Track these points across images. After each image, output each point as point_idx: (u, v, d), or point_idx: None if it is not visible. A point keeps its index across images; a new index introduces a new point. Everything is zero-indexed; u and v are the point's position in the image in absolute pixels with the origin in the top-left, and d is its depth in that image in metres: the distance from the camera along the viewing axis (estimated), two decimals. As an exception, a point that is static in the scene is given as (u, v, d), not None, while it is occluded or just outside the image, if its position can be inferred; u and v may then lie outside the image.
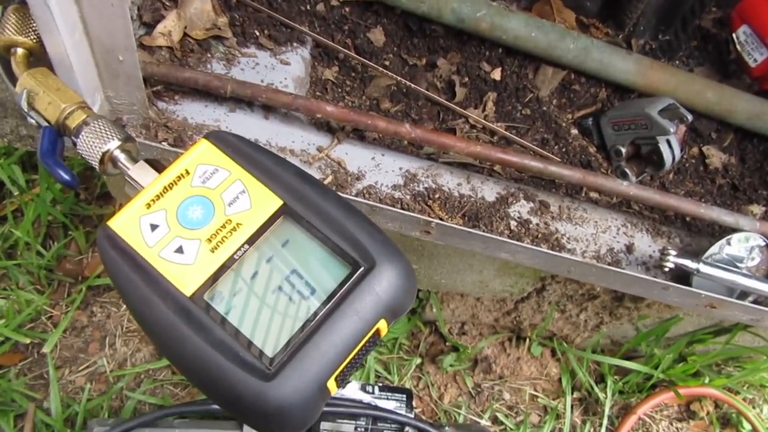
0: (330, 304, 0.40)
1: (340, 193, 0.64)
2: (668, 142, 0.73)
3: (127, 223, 0.42)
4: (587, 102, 0.83)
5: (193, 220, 0.42)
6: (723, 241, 0.70)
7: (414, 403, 1.22)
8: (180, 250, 0.41)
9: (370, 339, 0.41)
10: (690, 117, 0.72)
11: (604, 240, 0.74)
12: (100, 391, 1.10)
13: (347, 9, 0.81)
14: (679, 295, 0.68)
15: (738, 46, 0.84)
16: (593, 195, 0.77)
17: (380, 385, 1.06)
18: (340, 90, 0.78)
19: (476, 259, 1.03)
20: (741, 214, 0.71)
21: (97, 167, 0.48)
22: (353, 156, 0.71)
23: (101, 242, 0.42)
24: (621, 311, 1.11)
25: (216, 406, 0.88)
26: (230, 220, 0.42)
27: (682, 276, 0.72)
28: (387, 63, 0.80)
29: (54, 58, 0.51)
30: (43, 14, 0.46)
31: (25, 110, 0.50)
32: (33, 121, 0.50)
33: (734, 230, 0.71)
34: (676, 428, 1.26)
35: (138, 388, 1.10)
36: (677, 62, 0.90)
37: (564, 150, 0.79)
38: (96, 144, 0.47)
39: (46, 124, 0.50)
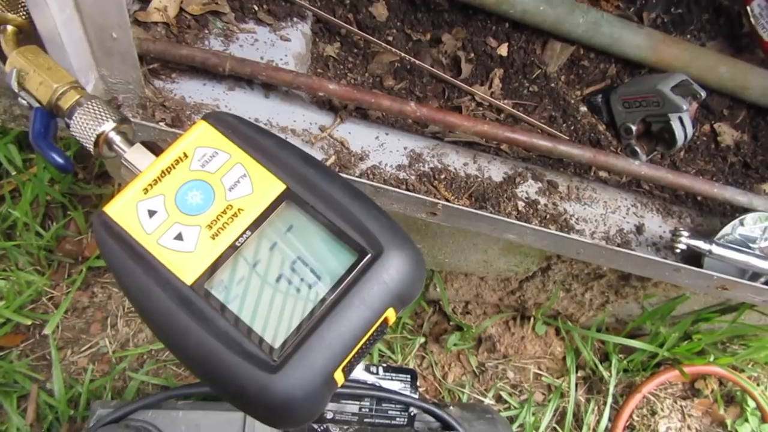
0: (336, 292, 0.39)
1: (344, 176, 0.62)
2: (680, 119, 0.71)
3: (124, 209, 0.40)
4: (596, 78, 0.81)
5: (192, 205, 0.40)
6: (736, 221, 0.68)
7: (418, 383, 1.22)
8: (179, 237, 0.40)
9: (377, 328, 0.39)
10: (704, 93, 0.70)
11: (614, 220, 0.72)
12: (102, 372, 1.09)
13: (349, -18, 0.78)
14: (690, 276, 0.67)
15: (752, 19, 0.81)
16: (602, 174, 0.75)
17: (384, 365, 1.05)
18: (342, 67, 0.76)
19: (481, 239, 1.02)
20: (755, 194, 0.69)
21: (92, 150, 0.46)
22: (356, 135, 0.69)
23: (97, 229, 0.40)
24: (627, 290, 1.10)
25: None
26: (231, 206, 0.40)
27: (694, 257, 0.71)
28: (390, 38, 0.78)
29: (44, 35, 0.49)
30: (32, -7, 0.44)
31: (16, 90, 0.48)
32: (24, 102, 0.48)
33: (747, 210, 0.69)
34: (681, 406, 1.26)
35: (141, 368, 1.10)
36: (689, 36, 0.87)
37: (572, 128, 0.77)
38: (90, 126, 0.45)
39: (38, 105, 0.48)
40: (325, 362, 0.37)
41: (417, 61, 0.75)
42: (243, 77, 0.66)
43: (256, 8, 0.72)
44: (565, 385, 1.22)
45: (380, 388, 0.94)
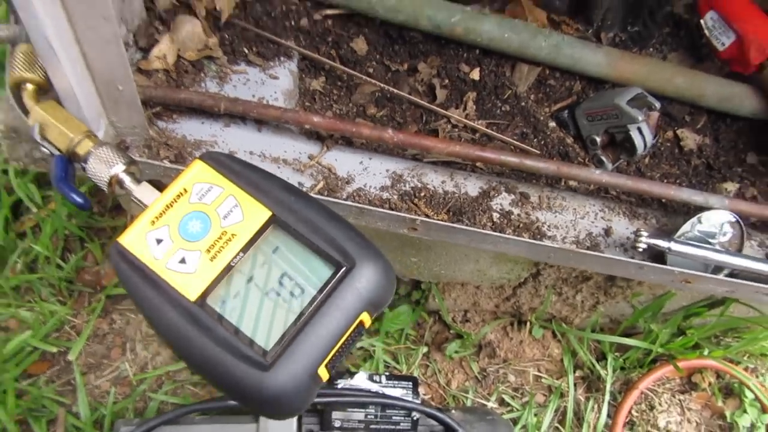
0: (317, 301, 0.46)
1: (327, 199, 0.69)
2: (639, 129, 0.77)
3: (135, 240, 0.47)
4: (563, 95, 0.88)
5: (193, 233, 0.48)
6: (694, 219, 0.74)
7: (422, 390, 1.28)
8: (183, 260, 0.47)
9: (354, 330, 0.46)
10: (658, 104, 0.76)
11: (583, 225, 0.79)
12: (124, 394, 1.16)
13: (330, 22, 0.85)
14: (653, 272, 0.73)
15: (706, 31, 0.88)
16: (572, 183, 0.81)
17: (387, 374, 1.12)
18: (327, 99, 0.83)
19: (471, 249, 1.08)
20: (710, 193, 0.75)
21: (105, 189, 0.53)
22: (342, 161, 0.76)
23: (114, 258, 0.47)
24: (615, 290, 1.15)
25: (233, 402, 0.94)
26: (226, 232, 0.48)
27: (660, 255, 0.76)
28: (371, 70, 0.85)
29: (60, 91, 0.56)
30: (47, 53, 0.52)
31: (39, 141, 0.55)
32: (46, 151, 0.56)
33: (704, 209, 0.75)
34: (679, 400, 1.30)
35: (160, 389, 1.16)
36: (651, 50, 0.94)
37: (543, 142, 0.84)
38: (103, 169, 0.53)
39: (58, 152, 0.55)
40: (309, 360, 0.44)
41: (396, 90, 0.83)
42: (237, 115, 0.73)
43: (247, 51, 0.80)
44: (564, 385, 1.27)
45: (384, 396, 0.99)
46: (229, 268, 0.46)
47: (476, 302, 1.27)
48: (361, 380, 1.10)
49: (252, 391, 0.43)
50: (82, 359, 1.16)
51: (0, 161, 1.25)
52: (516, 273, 1.16)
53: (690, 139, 0.87)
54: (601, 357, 1.30)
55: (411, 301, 1.29)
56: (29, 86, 0.58)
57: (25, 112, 0.60)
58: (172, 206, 0.49)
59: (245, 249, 0.47)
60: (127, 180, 0.53)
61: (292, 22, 0.83)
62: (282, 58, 0.81)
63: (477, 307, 1.29)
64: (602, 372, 1.28)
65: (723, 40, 0.86)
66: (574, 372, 1.29)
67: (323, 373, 0.45)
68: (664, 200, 0.82)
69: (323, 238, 0.47)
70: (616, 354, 1.29)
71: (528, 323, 1.29)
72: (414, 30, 0.84)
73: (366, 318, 0.46)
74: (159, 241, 0.47)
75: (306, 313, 0.45)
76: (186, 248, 0.47)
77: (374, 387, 1.09)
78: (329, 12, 0.85)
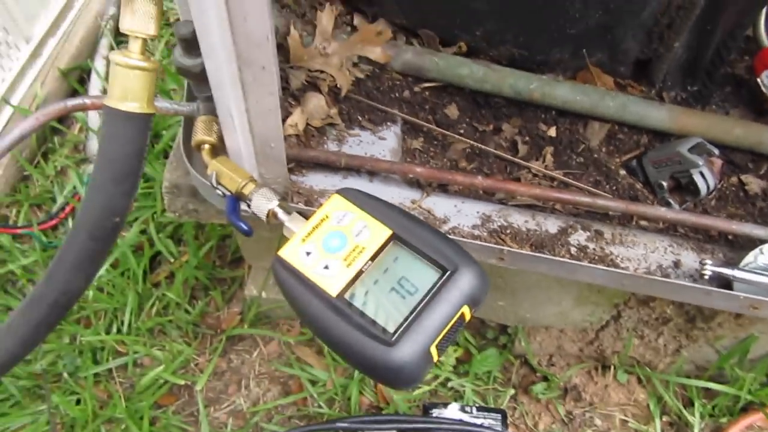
0: (429, 296, 0.59)
1: (435, 228, 0.83)
2: (701, 173, 0.88)
3: (291, 252, 0.64)
4: (632, 147, 1.00)
5: (333, 247, 0.63)
6: (756, 250, 0.83)
7: (510, 430, 1.35)
8: (326, 267, 0.62)
9: (458, 319, 0.59)
10: (717, 151, 0.87)
11: (654, 258, 0.89)
12: (239, 426, 1.31)
13: (427, 93, 1.03)
14: (720, 298, 0.81)
15: (763, 89, 0.98)
16: (643, 223, 0.92)
17: (477, 406, 1.22)
18: (426, 156, 0.99)
19: (554, 291, 1.18)
20: (769, 228, 0.84)
21: (264, 220, 0.70)
22: (439, 205, 0.91)
23: (275, 266, 0.63)
24: (696, 333, 1.21)
25: (339, 424, 1.07)
26: (357, 246, 0.63)
27: (727, 286, 0.85)
28: (462, 131, 1.01)
29: (230, 149, 0.75)
30: (226, 121, 0.71)
31: (214, 185, 0.74)
32: (220, 193, 0.74)
33: (766, 241, 0.83)
34: (770, 448, 1.29)
35: (270, 421, 1.31)
36: (713, 107, 1.05)
37: (615, 188, 0.95)
38: (263, 204, 0.70)
39: (229, 193, 0.73)
40: (424, 340, 0.58)
41: (483, 146, 0.98)
42: (353, 168, 0.91)
43: (360, 118, 0.98)
44: (651, 431, 1.30)
45: (474, 424, 1.10)
46: (360, 273, 0.61)
47: (560, 346, 1.35)
48: (453, 411, 1.21)
49: (380, 363, 0.57)
50: (203, 393, 1.32)
51: (139, 222, 1.49)
52: (597, 315, 1.24)
53: (754, 183, 0.96)
54: (689, 403, 1.32)
55: (498, 345, 1.38)
56: (207, 146, 0.77)
57: (193, 165, 0.79)
58: (317, 228, 0.65)
59: (372, 258, 0.62)
60: (281, 212, 0.70)
61: (397, 94, 1.01)
62: (388, 123, 0.98)
63: (561, 350, 1.36)
64: (690, 418, 1.29)
65: (779, 95, 0.96)
66: (661, 418, 1.32)
67: (434, 352, 0.58)
68: (729, 236, 0.90)
69: (432, 250, 0.61)
70: (704, 400, 1.31)
71: (612, 368, 1.34)
72: (498, 96, 1.00)
73: (467, 311, 0.60)
74: (308, 254, 0.63)
75: (420, 305, 0.59)
76: (328, 258, 0.63)
77: (465, 417, 1.19)
78: (426, 85, 1.02)
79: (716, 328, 1.18)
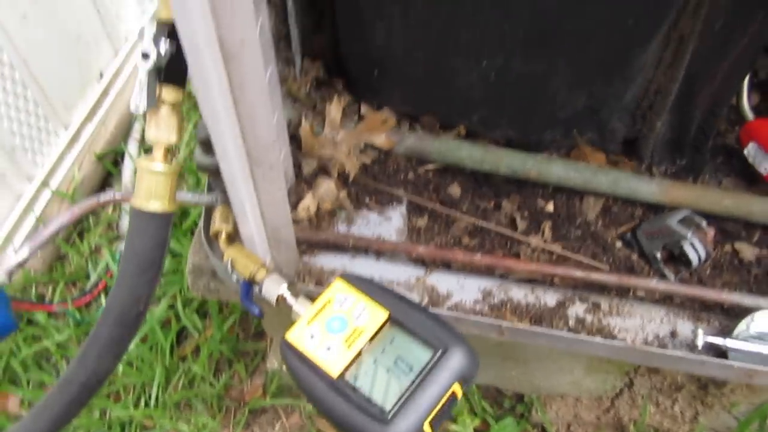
0: (422, 374, 0.64)
1: (427, 307, 0.88)
2: (691, 244, 0.92)
3: (297, 335, 0.69)
4: (627, 219, 1.04)
5: (335, 329, 0.69)
6: (748, 318, 0.85)
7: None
8: (328, 348, 0.68)
9: (450, 396, 0.64)
10: (704, 222, 0.91)
11: (651, 329, 0.92)
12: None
13: (430, 174, 1.10)
14: (715, 368, 0.84)
15: (750, 159, 1.03)
16: (640, 294, 0.96)
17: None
18: (430, 233, 1.05)
19: (564, 361, 1.20)
20: (759, 296, 0.86)
21: (273, 304, 0.77)
22: (442, 281, 0.96)
23: (283, 348, 0.69)
24: (710, 399, 1.21)
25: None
26: (357, 328, 0.68)
27: (724, 355, 0.87)
28: (464, 209, 1.07)
29: (244, 236, 0.82)
30: (240, 212, 0.78)
31: (229, 271, 0.81)
32: (234, 278, 0.81)
33: (755, 310, 0.86)
34: None
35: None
36: (707, 176, 1.09)
37: (611, 260, 1.00)
38: (273, 289, 0.76)
39: (242, 279, 0.80)
40: (418, 417, 0.62)
41: (485, 223, 1.03)
42: (361, 248, 0.97)
43: (368, 200, 1.05)
44: (675, 499, 1.29)
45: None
46: (359, 354, 0.67)
47: (577, 414, 1.36)
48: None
49: (377, 440, 0.61)
50: (227, 466, 1.36)
51: (168, 297, 1.56)
52: (610, 383, 1.25)
53: (748, 251, 0.99)
54: (713, 471, 1.31)
55: (516, 414, 1.40)
56: (223, 234, 0.85)
57: (213, 251, 0.87)
58: (321, 311, 0.71)
59: (371, 339, 0.67)
60: (289, 296, 0.76)
61: (402, 176, 1.08)
62: (394, 204, 1.05)
63: (579, 419, 1.37)
64: (716, 486, 1.28)
65: (765, 166, 1.00)
66: (688, 486, 1.31)
67: (428, 429, 0.62)
68: (725, 306, 0.93)
69: (424, 330, 0.67)
70: (730, 469, 1.30)
71: (631, 436, 1.34)
72: (497, 175, 1.06)
73: (458, 388, 0.64)
74: (312, 336, 0.69)
75: (414, 384, 0.64)
76: (330, 340, 0.68)
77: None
78: (430, 167, 1.10)
79: (729, 394, 1.18)
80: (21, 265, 0.79)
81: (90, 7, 1.78)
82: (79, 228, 1.77)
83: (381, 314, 0.69)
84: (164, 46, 0.62)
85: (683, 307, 0.94)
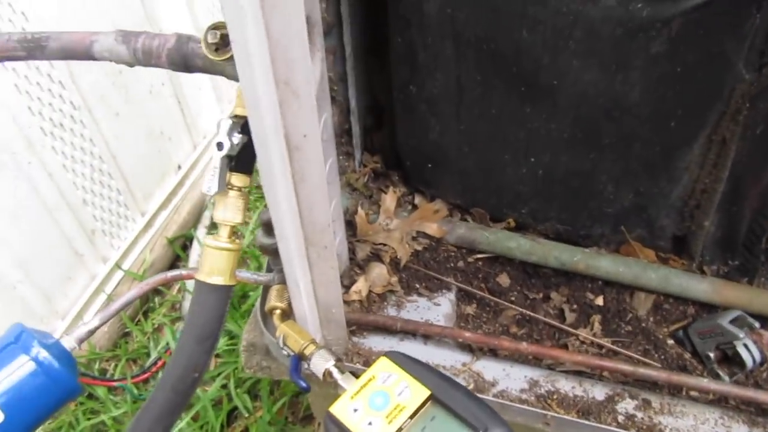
0: (461, 454, 0.65)
1: (470, 390, 0.89)
2: (745, 345, 0.90)
3: (340, 408, 0.72)
4: (679, 317, 1.03)
5: (378, 405, 0.71)
6: (808, 426, 0.82)
7: None
8: (370, 423, 0.69)
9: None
10: (757, 325, 0.90)
11: (704, 430, 0.89)
12: None
13: (480, 263, 1.13)
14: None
15: (806, 263, 1.01)
16: (693, 394, 0.93)
17: None
18: (478, 321, 1.07)
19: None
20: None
21: (321, 378, 0.79)
22: (488, 368, 0.97)
23: (326, 420, 0.71)
24: None
25: None
26: (399, 404, 0.70)
27: (785, 462, 0.83)
28: (513, 298, 1.09)
29: (297, 314, 0.86)
30: (295, 291, 0.83)
31: (281, 346, 0.85)
32: (285, 353, 0.84)
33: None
34: None
35: None
36: (762, 279, 1.08)
37: (663, 357, 0.98)
38: (321, 364, 0.80)
39: (293, 353, 0.84)
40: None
41: (533, 314, 1.05)
42: (409, 332, 0.99)
43: (418, 286, 1.09)
44: None
45: None
46: (400, 429, 0.68)
47: None
48: None
49: None
50: None
51: (222, 377, 1.60)
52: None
53: (808, 355, 0.96)
54: None
55: None
56: (278, 311, 0.90)
57: (267, 327, 0.91)
58: (365, 387, 0.73)
59: (412, 416, 0.69)
60: (336, 371, 0.79)
61: (452, 264, 1.12)
62: (444, 291, 1.08)
63: None
64: None
65: (823, 269, 0.99)
66: None
67: None
68: (785, 411, 0.90)
69: (465, 410, 0.68)
70: None
71: None
72: (545, 267, 1.08)
73: (496, 468, 0.64)
74: (355, 410, 0.71)
75: (454, 462, 0.64)
76: (373, 415, 0.70)
77: None
78: (479, 256, 1.13)
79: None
80: (91, 333, 0.86)
81: (175, 106, 1.97)
82: (144, 308, 1.87)
83: (423, 392, 0.71)
84: (237, 138, 0.70)
85: (738, 411, 0.91)
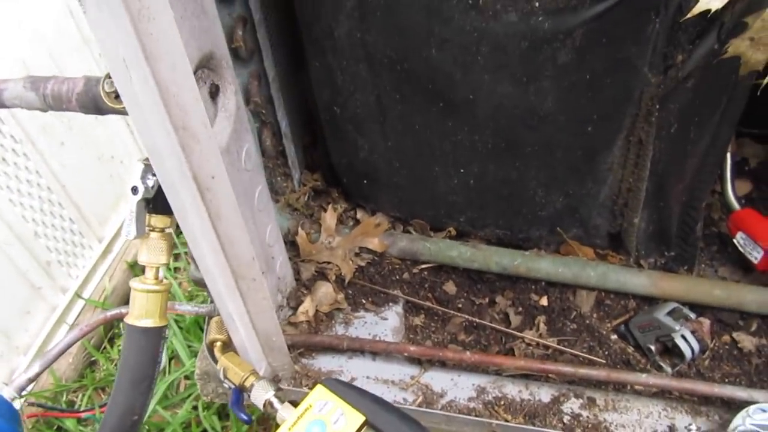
0: (394, 479, 0.66)
1: (423, 410, 0.90)
2: (683, 336, 0.92)
3: (278, 441, 0.72)
4: (620, 312, 1.05)
5: (314, 435, 0.71)
6: (743, 412, 0.84)
7: None
8: (307, 454, 0.70)
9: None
10: (693, 315, 0.92)
11: (648, 424, 0.90)
12: None
13: (425, 273, 1.14)
14: (712, 464, 0.82)
15: (740, 249, 1.04)
16: (638, 388, 0.95)
17: None
18: (427, 331, 1.07)
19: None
20: (754, 389, 0.85)
21: (261, 409, 0.80)
22: (437, 379, 0.98)
23: (264, 454, 0.72)
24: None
25: None
26: (334, 432, 0.71)
27: (725, 448, 0.85)
28: (460, 305, 1.10)
29: (237, 345, 0.87)
30: (229, 322, 0.83)
31: (222, 379, 0.85)
32: (227, 385, 0.84)
33: (750, 403, 0.85)
34: None
35: None
36: (702, 266, 1.10)
37: (607, 353, 1.00)
38: (261, 395, 0.80)
39: (234, 386, 0.84)
40: None
41: (479, 320, 1.06)
42: (356, 349, 1.00)
43: (364, 301, 1.09)
44: None
45: None
46: (337, 458, 0.69)
47: None
48: None
49: None
50: None
51: (191, 398, 1.60)
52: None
53: (747, 341, 0.98)
54: None
55: None
56: (218, 343, 0.90)
57: (214, 359, 0.91)
58: (302, 416, 0.74)
59: (348, 444, 0.70)
60: (276, 402, 0.79)
61: (397, 277, 1.12)
62: (390, 304, 1.09)
63: None
64: None
65: (755, 255, 1.01)
66: None
67: None
68: (725, 398, 0.92)
69: (398, 434, 0.69)
70: None
71: None
72: (489, 273, 1.09)
73: (430, 493, 0.65)
74: (298, 441, 0.72)
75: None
76: (310, 445, 0.70)
77: None
78: (424, 266, 1.14)
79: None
80: (30, 381, 0.85)
81: (124, 128, 1.94)
82: (110, 334, 1.85)
83: (358, 418, 0.71)
84: (151, 180, 0.70)
85: (681, 401, 0.93)
